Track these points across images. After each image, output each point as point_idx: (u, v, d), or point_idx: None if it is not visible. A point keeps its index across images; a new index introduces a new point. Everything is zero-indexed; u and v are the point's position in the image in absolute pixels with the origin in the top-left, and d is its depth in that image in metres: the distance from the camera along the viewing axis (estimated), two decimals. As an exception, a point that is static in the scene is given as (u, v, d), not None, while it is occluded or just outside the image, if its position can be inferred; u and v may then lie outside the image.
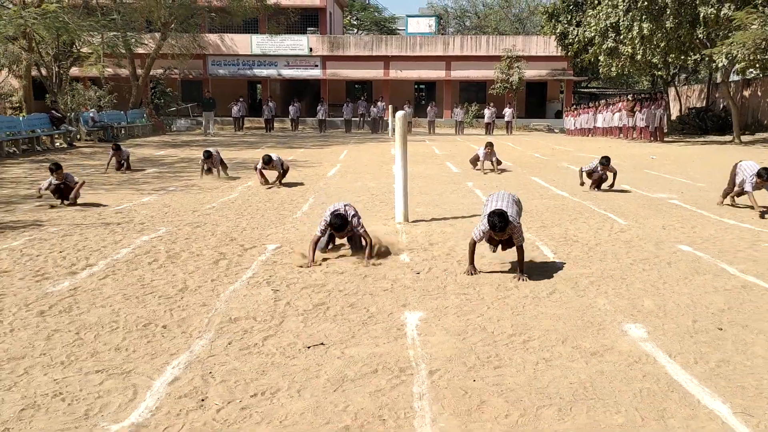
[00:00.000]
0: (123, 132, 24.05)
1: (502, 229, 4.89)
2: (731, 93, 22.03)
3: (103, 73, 23.86)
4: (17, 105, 25.10)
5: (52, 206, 8.65)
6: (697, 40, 18.69)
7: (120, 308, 4.43)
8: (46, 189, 8.80)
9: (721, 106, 27.52)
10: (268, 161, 10.51)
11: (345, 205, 5.82)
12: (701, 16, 17.21)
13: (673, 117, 29.87)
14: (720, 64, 16.50)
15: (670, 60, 20.61)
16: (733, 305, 4.48)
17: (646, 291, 4.83)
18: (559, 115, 35.84)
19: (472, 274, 5.15)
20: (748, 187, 7.96)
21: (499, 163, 12.92)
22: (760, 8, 15.95)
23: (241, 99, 30.72)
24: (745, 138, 21.80)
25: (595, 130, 27.71)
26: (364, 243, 5.72)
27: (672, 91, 31.83)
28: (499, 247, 5.32)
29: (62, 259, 5.80)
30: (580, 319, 4.21)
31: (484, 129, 30.56)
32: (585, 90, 43.66)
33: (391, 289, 4.88)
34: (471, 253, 5.25)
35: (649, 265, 5.56)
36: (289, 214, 8.21)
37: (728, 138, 22.06)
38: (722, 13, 16.73)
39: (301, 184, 11.23)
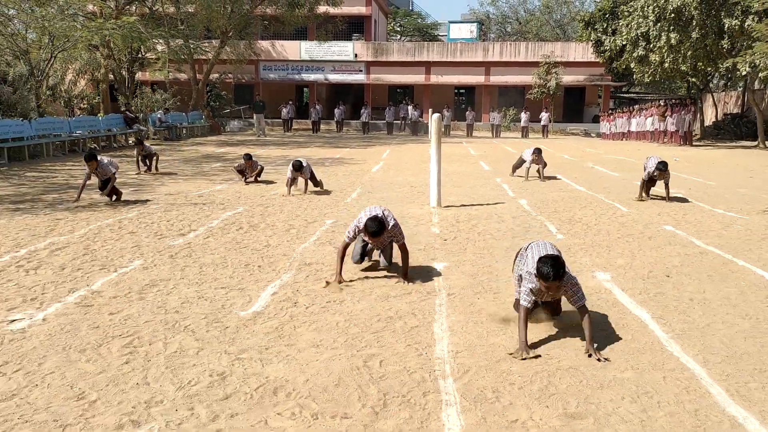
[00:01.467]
0: (185, 132, 26.23)
1: (557, 278, 3.61)
2: (758, 100, 22.74)
3: (168, 77, 26.05)
4: (86, 107, 27.55)
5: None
6: (723, 50, 19.60)
7: (225, 255, 6.08)
8: (84, 184, 9.10)
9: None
10: (298, 167, 9.90)
11: (383, 210, 5.17)
12: (726, 27, 18.19)
13: (710, 122, 30.50)
14: (744, 72, 17.43)
15: (699, 68, 21.49)
16: (686, 263, 5.85)
17: (622, 254, 6.22)
18: (596, 119, 36.66)
19: (525, 357, 3.58)
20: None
21: (545, 166, 12.36)
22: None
23: (290, 102, 32.70)
24: (773, 143, 22.49)
25: (629, 134, 28.60)
26: (401, 257, 5.17)
27: (709, 98, 32.39)
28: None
29: (171, 225, 7.51)
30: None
31: (521, 132, 31.73)
32: (625, 95, 44.21)
33: (424, 249, 6.39)
34: (523, 327, 3.68)
35: (633, 239, 6.93)
36: (341, 199, 9.80)
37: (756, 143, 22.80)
38: (746, 24, 17.67)
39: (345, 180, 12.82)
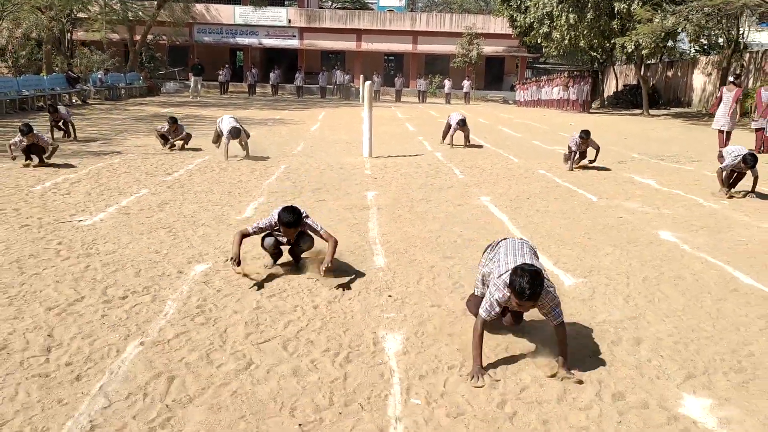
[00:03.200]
0: (123, 92, 27.03)
1: (533, 297, 3.11)
2: (651, 73, 26.03)
3: (105, 38, 26.68)
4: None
5: (25, 165, 8.90)
6: (615, 29, 22.57)
7: (210, 186, 8.02)
8: (17, 148, 8.88)
9: (651, 84, 31.63)
10: (236, 134, 9.93)
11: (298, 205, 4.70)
12: (616, 9, 21.09)
13: (610, 93, 33.97)
14: (630, 50, 20.39)
15: (593, 45, 24.47)
16: (543, 192, 8.29)
17: (502, 187, 8.61)
18: (513, 88, 39.64)
19: (480, 378, 3.17)
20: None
21: (468, 138, 13.02)
22: (663, 5, 19.84)
23: (226, 65, 33.71)
24: (661, 111, 25.95)
25: (539, 102, 31.64)
26: (326, 245, 4.59)
27: (612, 71, 35.86)
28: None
29: (156, 168, 9.32)
30: (459, 197, 7.97)
31: (444, 98, 34.20)
32: (540, 66, 47.47)
33: (359, 184, 8.55)
34: (478, 343, 3.27)
35: (513, 178, 9.35)
36: (290, 150, 11.77)
37: (651, 111, 26.20)
38: (632, 8, 20.61)
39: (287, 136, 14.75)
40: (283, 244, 4.82)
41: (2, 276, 4.46)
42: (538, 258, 3.68)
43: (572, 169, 10.06)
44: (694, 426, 2.86)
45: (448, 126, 13.05)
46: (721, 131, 12.57)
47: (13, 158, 9.02)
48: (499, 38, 38.59)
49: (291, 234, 4.55)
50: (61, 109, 12.44)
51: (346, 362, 3.36)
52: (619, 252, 5.53)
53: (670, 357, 3.50)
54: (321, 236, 4.60)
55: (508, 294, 3.18)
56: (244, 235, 4.55)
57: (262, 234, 4.71)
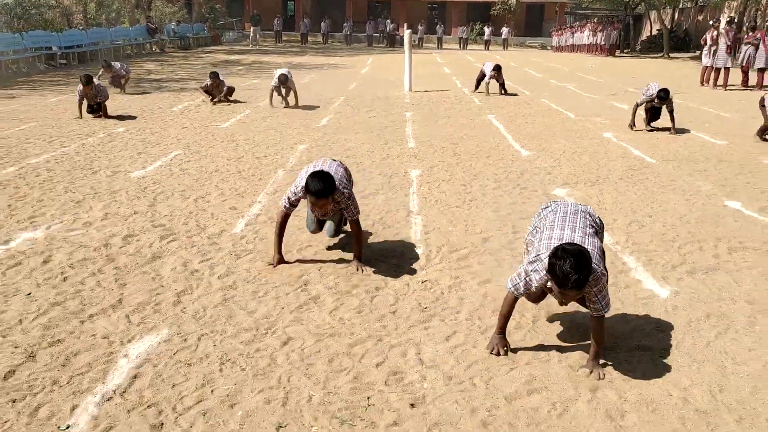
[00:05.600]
0: (192, 42, 30.30)
1: (577, 284, 2.55)
2: (684, 17, 27.57)
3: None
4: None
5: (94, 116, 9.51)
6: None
7: (291, 111, 11.10)
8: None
9: (684, 28, 32.97)
10: (284, 80, 10.65)
11: (337, 165, 4.12)
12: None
13: (645, 37, 35.37)
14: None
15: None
16: (552, 126, 11.09)
17: (505, 110, 11.41)
18: (551, 34, 41.22)
19: (499, 351, 2.99)
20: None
21: (503, 86, 13.32)
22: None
23: (278, 15, 36.49)
24: (683, 54, 27.65)
25: (571, 47, 33.47)
26: (354, 235, 4.05)
27: (653, 14, 37.07)
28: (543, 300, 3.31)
29: (247, 99, 12.45)
30: (472, 116, 10.85)
31: (484, 45, 36.27)
32: (581, 11, 48.43)
33: (401, 107, 11.48)
34: (505, 315, 3.01)
35: (518, 104, 12.11)
36: (346, 87, 14.74)
37: (679, 54, 27.94)
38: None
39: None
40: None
41: (191, 154, 7.69)
42: (599, 230, 3.10)
43: (633, 126, 9.27)
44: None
45: (482, 74, 13.38)
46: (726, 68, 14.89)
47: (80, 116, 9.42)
48: (539, -15, 39.99)
49: (321, 206, 3.77)
50: (116, 64, 12.93)
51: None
52: (568, 141, 8.38)
53: (572, 170, 6.44)
54: (348, 217, 3.92)
55: (546, 278, 2.69)
56: (285, 217, 3.99)
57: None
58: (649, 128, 9.21)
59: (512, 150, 7.93)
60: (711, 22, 15.32)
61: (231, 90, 11.83)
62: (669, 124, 9.01)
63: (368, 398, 2.64)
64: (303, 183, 3.74)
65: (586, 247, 2.70)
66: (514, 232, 4.74)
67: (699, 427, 2.48)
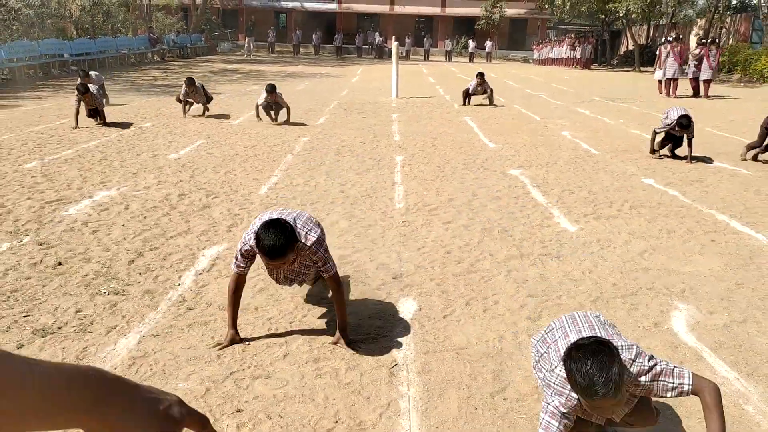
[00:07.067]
0: (190, 51, 31.76)
1: (610, 391, 1.84)
2: (653, 34, 29.53)
3: (174, 2, 31.27)
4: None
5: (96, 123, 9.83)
6: (612, -5, 26.36)
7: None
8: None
9: (658, 43, 34.95)
10: (271, 90, 10.25)
11: (297, 211, 3.18)
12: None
13: (621, 52, 37.36)
14: (622, 14, 24.14)
15: (592, 10, 28.19)
16: (531, 129, 12.66)
17: (480, 113, 12.97)
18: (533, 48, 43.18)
19: None
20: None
21: (490, 94, 13.96)
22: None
23: (272, 27, 38.09)
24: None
25: (550, 60, 35.37)
26: (334, 297, 3.17)
27: (626, 32, 39.15)
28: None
29: (251, 99, 13.92)
30: (451, 117, 12.39)
31: (468, 58, 38.07)
32: (563, 27, 50.55)
33: (388, 110, 13.01)
34: None
35: (493, 110, 13.67)
36: (338, 93, 16.26)
37: (642, 67, 29.82)
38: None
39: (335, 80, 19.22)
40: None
41: (212, 143, 9.13)
42: (617, 335, 2.25)
43: (654, 152, 8.42)
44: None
45: (466, 91, 13.94)
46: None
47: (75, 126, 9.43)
48: (523, 0, 41.97)
49: (279, 267, 2.94)
50: (92, 73, 11.97)
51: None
52: (530, 137, 9.92)
53: (527, 158, 7.96)
54: (324, 274, 3.09)
55: (572, 396, 2.01)
56: (238, 280, 3.10)
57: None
58: (667, 155, 8.42)
59: (482, 143, 9.46)
60: (662, 40, 17.09)
61: (210, 99, 11.25)
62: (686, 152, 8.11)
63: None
64: (253, 235, 2.86)
65: (600, 335, 2.08)
66: (473, 195, 6.23)
67: (579, 296, 3.98)
